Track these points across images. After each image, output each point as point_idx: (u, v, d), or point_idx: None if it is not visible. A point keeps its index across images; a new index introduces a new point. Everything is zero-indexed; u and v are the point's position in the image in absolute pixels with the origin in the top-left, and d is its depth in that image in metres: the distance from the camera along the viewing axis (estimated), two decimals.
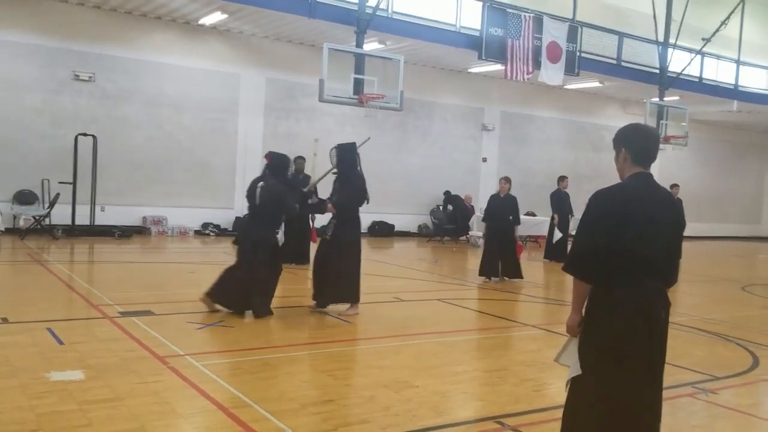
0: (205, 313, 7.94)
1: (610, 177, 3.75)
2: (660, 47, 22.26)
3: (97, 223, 16.78)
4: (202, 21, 17.85)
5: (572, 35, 19.87)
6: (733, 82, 25.26)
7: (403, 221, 22.14)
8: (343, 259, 8.46)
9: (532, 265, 16.29)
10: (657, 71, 22.49)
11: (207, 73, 18.70)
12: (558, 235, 16.19)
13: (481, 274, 12.55)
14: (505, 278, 12.47)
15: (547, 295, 11.94)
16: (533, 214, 21.61)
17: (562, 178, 16.86)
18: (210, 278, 8.22)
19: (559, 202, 16.50)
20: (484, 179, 23.54)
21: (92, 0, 16.63)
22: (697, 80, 24.15)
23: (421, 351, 6.92)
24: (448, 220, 21.60)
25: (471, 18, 18.60)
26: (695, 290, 13.01)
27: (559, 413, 3.79)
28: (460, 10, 18.80)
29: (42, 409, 4.61)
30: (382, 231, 21.32)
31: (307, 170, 12.32)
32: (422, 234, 22.43)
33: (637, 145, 3.69)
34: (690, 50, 22.84)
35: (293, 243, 13.07)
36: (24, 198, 16.30)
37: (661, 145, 22.11)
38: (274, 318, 8.28)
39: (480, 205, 13.10)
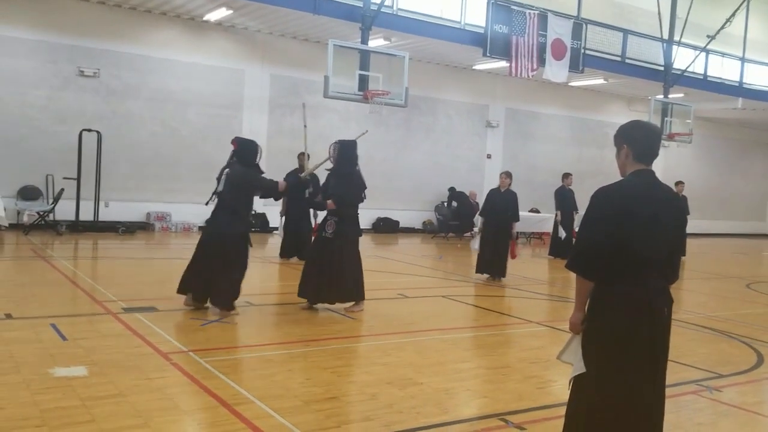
0: (207, 309, 7.93)
1: (614, 174, 3.73)
2: (665, 44, 22.21)
3: (101, 218, 16.79)
4: (207, 17, 17.84)
5: (577, 32, 19.83)
6: (738, 79, 25.17)
7: (407, 218, 22.15)
8: (347, 257, 8.40)
9: (537, 262, 16.29)
10: (662, 68, 22.44)
11: (212, 69, 18.70)
12: (563, 232, 16.17)
13: (477, 271, 12.28)
14: (490, 277, 12.10)
15: (551, 292, 11.93)
16: (537, 211, 21.61)
17: (566, 175, 16.83)
18: None
19: (563, 199, 16.49)
20: (489, 176, 23.49)
21: None
22: (701, 77, 24.06)
23: (425, 348, 6.92)
24: (453, 217, 21.58)
25: (476, 15, 18.59)
26: (700, 288, 12.99)
27: (563, 410, 3.78)
28: (465, 7, 18.79)
29: (46, 404, 4.62)
30: (387, 227, 21.31)
31: (299, 150, 12.28)
32: (427, 230, 22.43)
33: (639, 141, 3.67)
34: (695, 47, 22.80)
35: (294, 238, 13.11)
36: (28, 194, 16.33)
37: (666, 143, 22.16)
38: (278, 314, 8.29)
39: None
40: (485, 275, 12.20)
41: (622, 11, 23.21)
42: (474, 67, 22.22)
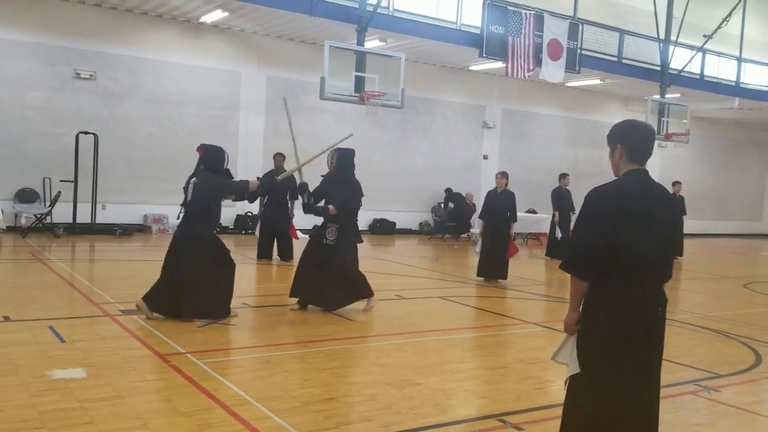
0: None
1: (611, 174, 3.74)
2: (661, 44, 22.24)
3: (98, 221, 16.79)
4: (203, 19, 17.84)
5: (573, 32, 19.84)
6: (735, 79, 25.21)
7: (404, 219, 22.15)
8: (349, 261, 8.48)
9: (534, 263, 16.30)
10: (658, 68, 22.47)
11: (208, 71, 18.70)
12: (560, 233, 16.17)
13: (479, 274, 12.21)
14: (490, 279, 12.06)
15: (548, 293, 11.93)
16: (534, 212, 21.61)
17: (563, 176, 16.85)
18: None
19: (560, 199, 16.49)
20: (485, 177, 23.49)
21: None
22: (698, 77, 24.10)
23: (423, 348, 6.92)
24: (450, 218, 21.60)
25: (472, 15, 18.60)
26: (697, 288, 13.00)
27: (561, 411, 3.78)
28: (461, 7, 18.80)
29: (44, 406, 4.62)
30: (384, 229, 21.32)
31: (283, 138, 12.27)
32: (423, 232, 22.44)
33: (633, 141, 3.66)
34: (691, 47, 22.81)
35: (270, 239, 13.17)
36: (25, 196, 16.31)
37: (663, 143, 22.21)
38: (275, 316, 8.28)
39: (481, 202, 12.91)
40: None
41: (619, 11, 23.23)
42: (470, 68, 22.23)
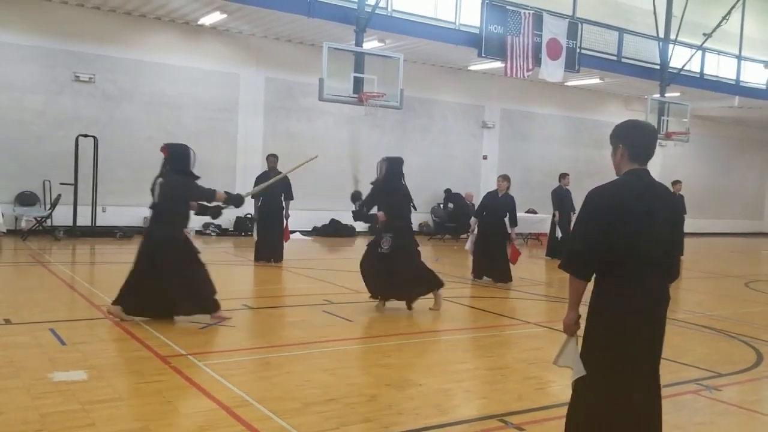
0: None
1: (611, 174, 3.73)
2: (661, 43, 22.24)
3: (98, 224, 16.78)
4: (201, 21, 17.83)
5: (572, 32, 19.83)
6: (735, 77, 25.20)
7: None
8: (414, 262, 8.79)
9: (534, 263, 16.29)
10: (658, 67, 22.47)
11: (207, 73, 18.69)
12: (560, 233, 16.15)
13: (476, 276, 12.16)
14: (492, 281, 12.00)
15: (548, 293, 11.92)
16: (534, 212, 21.60)
17: (563, 176, 16.82)
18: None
19: (560, 199, 16.47)
20: (485, 177, 23.50)
21: (92, 1, 16.61)
22: (698, 76, 24.09)
23: (424, 349, 6.92)
24: (449, 218, 21.58)
25: (470, 15, 18.57)
26: (698, 287, 12.99)
27: (562, 411, 3.78)
28: (459, 7, 18.77)
29: (45, 409, 4.61)
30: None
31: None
32: (423, 232, 22.39)
33: (634, 141, 3.66)
34: (691, 46, 22.82)
35: (268, 240, 13.16)
36: (25, 199, 16.30)
37: (663, 142, 22.18)
38: (275, 317, 8.29)
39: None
40: (485, 279, 12.13)
41: (618, 10, 23.22)
42: (469, 68, 22.22)
